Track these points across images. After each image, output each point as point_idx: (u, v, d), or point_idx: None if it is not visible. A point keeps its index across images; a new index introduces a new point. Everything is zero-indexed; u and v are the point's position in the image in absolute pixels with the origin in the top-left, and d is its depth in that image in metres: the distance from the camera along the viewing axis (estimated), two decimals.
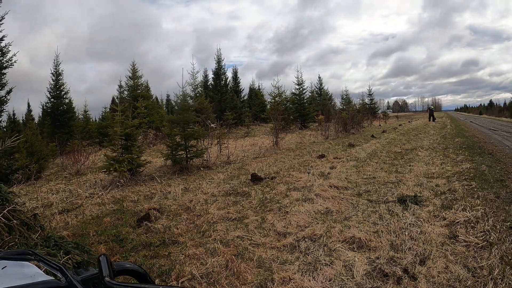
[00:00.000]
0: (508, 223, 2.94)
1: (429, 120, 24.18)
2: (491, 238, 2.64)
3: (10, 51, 8.93)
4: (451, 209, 3.40)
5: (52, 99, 15.41)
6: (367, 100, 29.80)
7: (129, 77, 18.29)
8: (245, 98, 26.21)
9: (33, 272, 0.65)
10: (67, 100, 15.88)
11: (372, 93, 30.81)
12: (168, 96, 36.71)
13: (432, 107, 30.01)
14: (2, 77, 8.77)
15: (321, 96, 29.74)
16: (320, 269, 2.30)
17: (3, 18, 8.52)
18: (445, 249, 2.51)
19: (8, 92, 9.04)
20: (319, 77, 32.16)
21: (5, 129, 10.64)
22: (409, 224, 3.04)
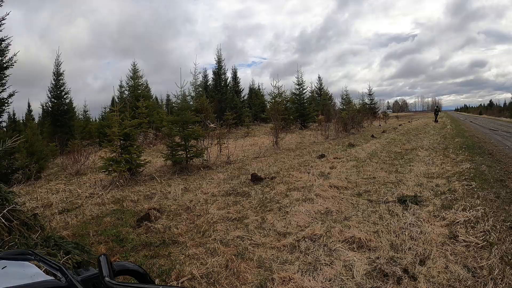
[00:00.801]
0: (508, 223, 2.94)
1: (435, 121, 22.73)
2: (491, 238, 2.64)
3: (9, 50, 8.90)
4: (451, 209, 3.40)
5: (52, 99, 15.42)
6: (367, 100, 29.81)
7: (130, 77, 18.31)
8: (245, 98, 26.23)
9: (33, 272, 0.65)
10: (67, 100, 15.90)
11: (372, 93, 30.81)
12: (168, 96, 36.73)
13: (437, 107, 28.04)
14: (3, 77, 8.75)
15: (321, 96, 29.74)
16: (320, 269, 2.30)
17: (3, 18, 8.51)
18: (445, 249, 2.51)
19: (10, 96, 9.01)
20: (319, 77, 32.16)
21: (5, 129, 10.64)
22: (409, 224, 3.04)
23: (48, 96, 15.44)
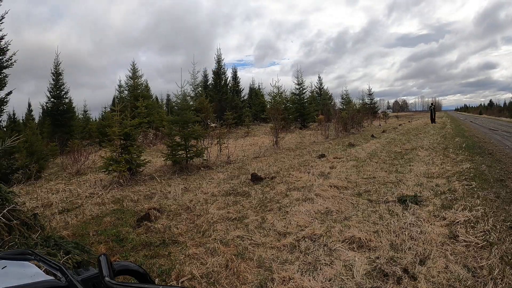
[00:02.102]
0: (508, 223, 2.94)
1: (432, 122, 20.85)
2: (491, 238, 2.64)
3: (9, 49, 8.91)
4: (451, 209, 3.40)
5: (52, 99, 15.42)
6: (367, 100, 29.80)
7: (129, 77, 18.31)
8: (245, 97, 26.23)
9: (33, 272, 0.65)
10: (67, 100, 15.89)
11: (372, 93, 30.80)
12: (168, 96, 36.80)
13: (433, 106, 23.66)
14: (3, 77, 8.75)
15: (321, 96, 29.75)
16: (320, 269, 2.30)
17: (3, 17, 8.50)
18: (445, 249, 2.51)
19: (8, 94, 9.03)
20: (319, 77, 32.16)
21: (5, 129, 10.64)
22: (409, 224, 3.04)
23: (47, 96, 15.45)
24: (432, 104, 23.42)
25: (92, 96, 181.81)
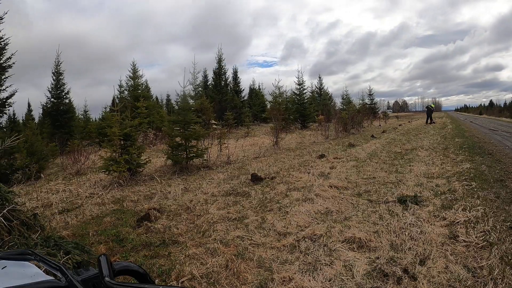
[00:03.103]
0: (508, 223, 2.94)
1: (427, 123, 19.86)
2: (491, 238, 2.64)
3: (8, 49, 8.91)
4: (451, 209, 3.40)
5: (52, 99, 15.43)
6: (367, 100, 29.82)
7: (130, 77, 18.29)
8: (245, 98, 26.22)
9: (33, 272, 0.65)
10: (67, 100, 15.89)
11: (373, 93, 30.82)
12: (168, 96, 36.81)
13: (432, 106, 22.46)
14: (2, 78, 8.75)
15: (321, 96, 29.75)
16: (320, 269, 2.30)
17: (2, 18, 8.50)
18: (445, 249, 2.51)
19: (10, 96, 9.01)
20: (319, 77, 32.15)
21: (5, 129, 10.65)
22: (409, 224, 3.04)
23: (47, 96, 15.46)
24: (429, 106, 21.74)
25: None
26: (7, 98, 8.86)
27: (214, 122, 10.70)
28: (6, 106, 8.92)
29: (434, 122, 20.35)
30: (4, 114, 9.37)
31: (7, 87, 8.80)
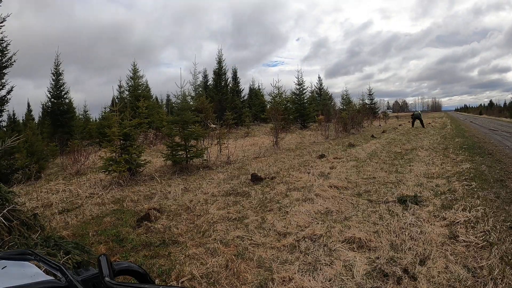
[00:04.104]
0: (508, 223, 2.94)
1: (412, 126, 18.42)
2: (491, 238, 2.64)
3: (9, 50, 8.92)
4: (451, 209, 3.40)
5: (52, 99, 15.42)
6: (367, 100, 29.81)
7: (130, 77, 18.29)
8: (245, 98, 26.22)
9: (33, 272, 0.65)
10: (67, 100, 15.89)
11: (373, 93, 30.81)
12: (168, 96, 36.80)
13: (418, 111, 21.21)
14: (2, 76, 8.76)
15: (321, 96, 29.75)
16: (320, 269, 2.30)
17: (4, 20, 8.49)
18: (445, 249, 2.51)
19: (9, 92, 9.03)
20: (319, 77, 32.17)
21: (5, 129, 10.65)
22: (409, 224, 3.04)
23: (47, 96, 15.45)
24: (415, 112, 20.47)
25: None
26: (7, 93, 8.87)
27: (211, 122, 10.67)
28: (5, 104, 8.93)
29: (424, 126, 18.21)
30: (3, 113, 9.37)
31: (5, 85, 8.79)
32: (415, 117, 19.18)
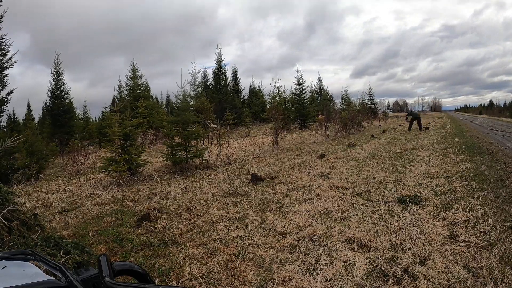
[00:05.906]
0: (508, 223, 2.94)
1: (409, 130, 14.67)
2: (491, 238, 2.64)
3: (10, 50, 8.93)
4: (451, 209, 3.40)
5: (52, 99, 15.42)
6: (367, 100, 29.78)
7: (129, 77, 18.29)
8: (245, 98, 26.23)
9: (33, 272, 0.65)
10: (67, 100, 15.89)
11: (373, 93, 30.78)
12: (168, 96, 36.79)
13: (416, 111, 18.67)
14: (2, 77, 8.76)
15: (321, 96, 29.74)
16: (320, 269, 2.30)
17: (2, 16, 8.50)
18: (445, 249, 2.51)
19: (9, 93, 9.04)
20: (319, 77, 32.17)
21: (5, 129, 10.65)
22: (409, 224, 3.04)
23: (48, 96, 15.46)
24: (411, 112, 17.12)
25: (165, 83, 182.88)
26: (8, 94, 8.89)
27: (212, 122, 10.67)
28: (5, 104, 8.94)
29: (421, 129, 15.01)
30: (3, 114, 9.37)
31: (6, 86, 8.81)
32: (413, 118, 15.23)
